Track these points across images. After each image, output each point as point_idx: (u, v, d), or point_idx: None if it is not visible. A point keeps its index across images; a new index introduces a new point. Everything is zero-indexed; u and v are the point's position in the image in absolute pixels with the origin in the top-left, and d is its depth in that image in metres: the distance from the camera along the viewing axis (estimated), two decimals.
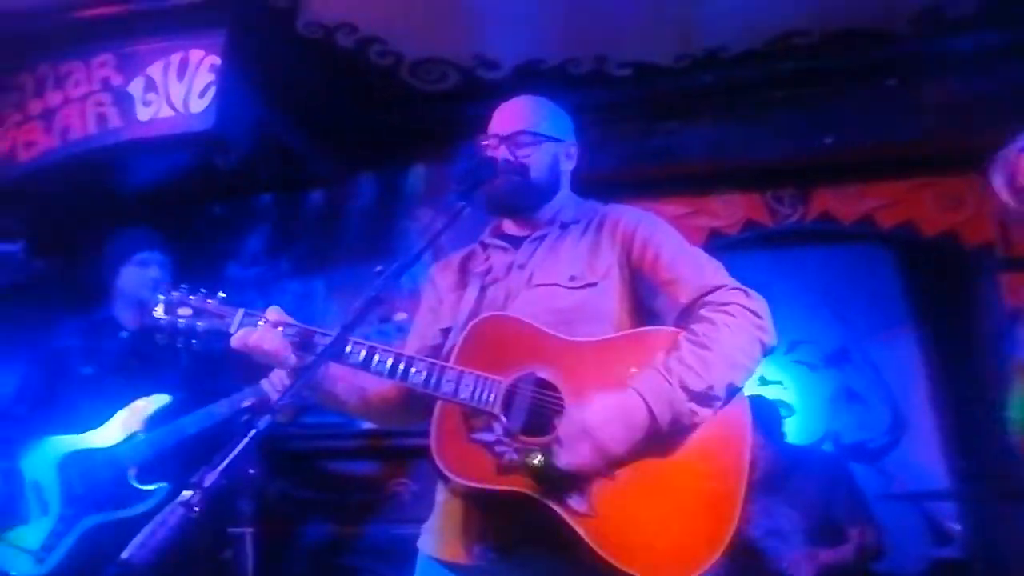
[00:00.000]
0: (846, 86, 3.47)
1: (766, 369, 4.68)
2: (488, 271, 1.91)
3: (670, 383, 1.60)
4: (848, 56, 3.32)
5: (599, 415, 1.57)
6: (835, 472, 3.70)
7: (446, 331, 1.88)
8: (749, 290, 1.74)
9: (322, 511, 3.63)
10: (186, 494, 1.21)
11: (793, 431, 4.22)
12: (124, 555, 1.14)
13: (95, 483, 2.84)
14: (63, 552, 2.79)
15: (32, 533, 2.85)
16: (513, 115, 1.94)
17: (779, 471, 3.57)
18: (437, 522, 1.81)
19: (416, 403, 1.88)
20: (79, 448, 2.89)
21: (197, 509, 1.20)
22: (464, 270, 1.96)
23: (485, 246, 1.97)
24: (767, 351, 1.71)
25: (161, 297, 1.78)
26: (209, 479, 1.23)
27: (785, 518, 3.56)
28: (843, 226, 3.75)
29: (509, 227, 1.97)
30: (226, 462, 1.26)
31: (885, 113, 3.44)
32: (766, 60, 3.35)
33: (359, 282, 3.82)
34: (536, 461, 1.58)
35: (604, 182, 3.61)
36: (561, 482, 1.58)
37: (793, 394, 4.77)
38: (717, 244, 3.83)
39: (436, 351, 1.82)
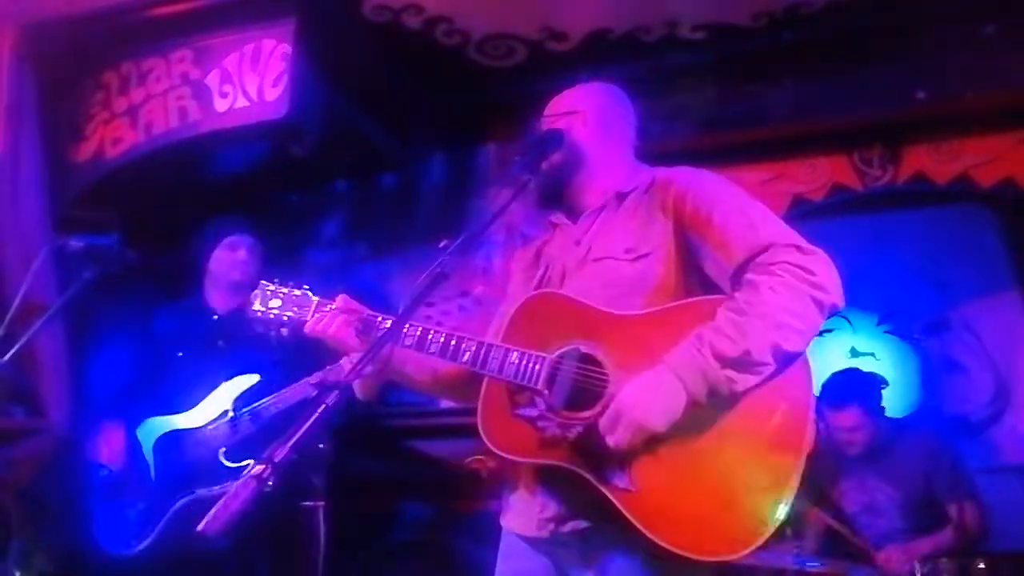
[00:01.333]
0: (939, 35, 3.25)
1: (858, 340, 4.48)
2: (554, 250, 1.93)
3: (701, 353, 1.55)
4: (940, 4, 3.11)
5: (631, 395, 1.55)
6: (936, 445, 3.52)
7: None
8: (804, 245, 1.63)
9: (402, 488, 3.70)
10: (258, 468, 1.23)
11: (889, 405, 4.03)
12: (200, 527, 1.17)
13: (188, 462, 2.96)
14: (159, 530, 2.92)
15: (132, 512, 3.00)
16: (565, 100, 1.98)
17: (874, 442, 3.43)
18: (509, 496, 1.84)
19: (482, 379, 1.91)
20: (173, 429, 3.02)
21: (269, 483, 1.23)
22: (539, 253, 1.99)
23: (554, 226, 1.98)
24: (827, 310, 1.60)
25: (257, 293, 1.94)
26: (280, 453, 1.25)
27: (881, 493, 3.43)
28: (938, 186, 3.56)
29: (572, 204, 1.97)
30: (296, 437, 1.28)
31: (982, 63, 3.22)
32: (852, 12, 3.16)
33: (433, 263, 3.84)
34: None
35: (680, 151, 3.52)
36: (604, 458, 1.58)
37: (888, 366, 4.55)
38: (801, 211, 3.69)
39: None
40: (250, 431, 2.95)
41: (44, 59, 3.38)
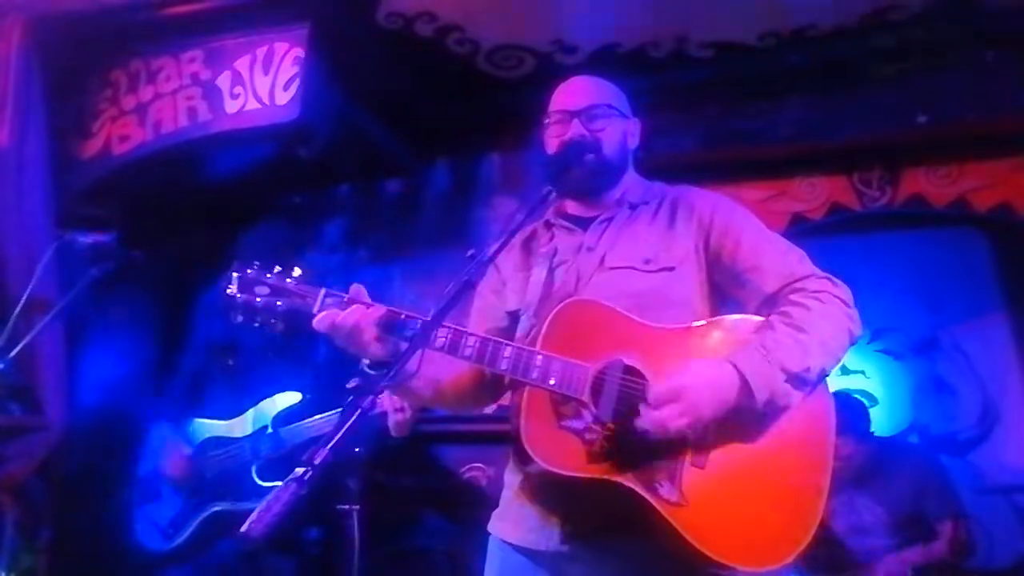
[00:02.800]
0: (941, 61, 3.32)
1: (848, 358, 4.53)
2: (554, 252, 1.87)
3: (768, 361, 1.58)
4: (944, 30, 3.17)
5: (692, 378, 1.56)
6: (925, 465, 3.58)
7: (513, 313, 1.87)
8: (835, 279, 1.71)
9: (399, 494, 3.69)
10: (298, 471, 1.24)
11: (878, 423, 4.08)
12: (243, 528, 1.17)
13: (223, 471, 2.96)
14: (188, 531, 2.92)
15: (165, 509, 2.99)
16: (582, 90, 1.90)
17: (864, 465, 3.47)
18: (510, 507, 1.80)
19: (486, 388, 1.91)
20: (213, 436, 3.01)
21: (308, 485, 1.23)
22: (527, 250, 1.93)
23: (549, 225, 1.93)
24: (853, 341, 1.69)
25: (235, 275, 1.69)
26: (319, 456, 1.26)
27: (869, 513, 3.47)
28: (935, 209, 3.61)
29: (573, 207, 1.93)
30: (335, 440, 1.29)
31: (983, 89, 3.29)
32: (857, 36, 3.22)
33: (435, 270, 3.86)
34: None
35: (684, 165, 3.57)
36: (652, 469, 1.57)
37: (877, 384, 4.61)
38: (800, 229, 3.73)
39: (503, 333, 1.81)
40: (285, 450, 2.95)
41: (52, 53, 3.36)
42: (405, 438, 3.05)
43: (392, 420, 2.78)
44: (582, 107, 1.85)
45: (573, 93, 1.89)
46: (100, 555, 3.12)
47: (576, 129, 1.83)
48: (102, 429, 3.23)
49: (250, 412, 3.03)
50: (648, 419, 1.54)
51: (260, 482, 2.94)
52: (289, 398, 3.02)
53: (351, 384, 2.60)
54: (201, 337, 3.18)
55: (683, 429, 1.54)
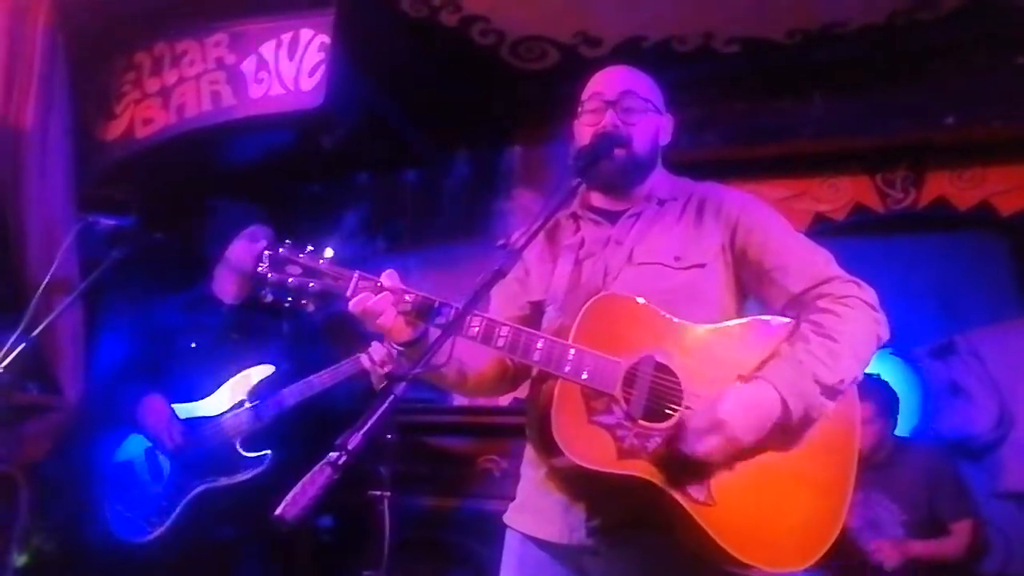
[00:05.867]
0: (970, 62, 3.29)
1: None
2: (581, 244, 1.86)
3: (803, 376, 1.58)
4: (974, 31, 3.14)
5: (733, 407, 1.56)
6: (940, 464, 3.57)
7: (536, 303, 1.86)
8: (861, 282, 1.71)
9: (413, 484, 3.68)
10: (332, 455, 1.23)
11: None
12: (277, 511, 1.17)
13: (204, 451, 2.95)
14: (174, 517, 2.91)
15: (145, 497, 2.98)
16: (620, 78, 1.86)
17: (883, 456, 3.46)
18: (531, 500, 1.80)
19: (508, 378, 1.90)
20: (189, 417, 3.01)
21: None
22: (552, 240, 1.91)
23: (575, 217, 1.91)
24: (881, 345, 1.68)
25: (267, 252, 1.65)
26: (353, 441, 1.25)
27: (885, 509, 3.46)
28: (958, 212, 3.58)
29: (599, 200, 1.90)
30: (368, 426, 1.28)
31: (1012, 92, 3.25)
32: (885, 35, 3.19)
33: (453, 260, 3.85)
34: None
35: (706, 161, 3.54)
36: (683, 470, 1.57)
37: (893, 387, 4.59)
38: (821, 229, 3.70)
39: (524, 322, 1.79)
40: (269, 421, 2.96)
41: (77, 35, 3.35)
42: (404, 426, 3.06)
43: (375, 376, 2.80)
44: (618, 95, 1.81)
45: (610, 81, 1.86)
46: (81, 544, 3.14)
47: (610, 119, 1.79)
48: (93, 413, 3.24)
49: (225, 390, 3.02)
50: (691, 450, 1.56)
51: (245, 453, 2.94)
52: (262, 371, 3.02)
53: (385, 370, 2.59)
54: (159, 320, 3.18)
55: (727, 455, 1.57)
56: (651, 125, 1.84)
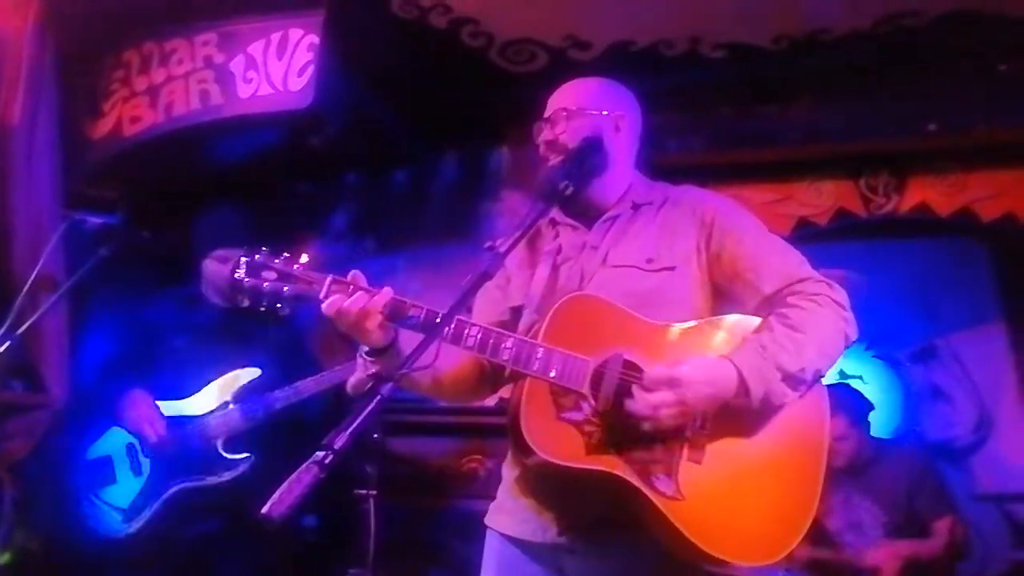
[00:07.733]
0: (953, 70, 3.33)
1: (846, 363, 4.56)
2: (559, 250, 1.90)
3: (765, 360, 1.61)
4: (958, 39, 3.18)
5: (691, 371, 1.58)
6: (920, 464, 3.62)
7: (516, 309, 1.89)
8: (832, 282, 1.75)
9: (397, 485, 3.69)
10: (319, 454, 1.25)
11: (873, 427, 4.11)
12: (264, 510, 1.18)
13: (185, 449, 2.96)
14: (150, 513, 2.91)
15: (123, 493, 2.98)
16: (555, 97, 1.94)
17: (861, 462, 3.51)
18: (509, 500, 1.83)
19: (486, 380, 1.93)
20: (172, 414, 3.01)
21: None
22: (532, 248, 1.94)
23: (554, 223, 1.95)
24: (849, 343, 1.72)
25: (244, 259, 1.67)
26: (340, 441, 1.27)
27: (865, 511, 3.50)
28: (940, 218, 3.63)
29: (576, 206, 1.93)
30: (355, 425, 1.30)
31: (994, 100, 3.31)
32: (870, 42, 3.23)
33: (440, 261, 3.86)
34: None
35: (692, 165, 3.58)
36: (649, 463, 1.60)
37: (874, 389, 4.63)
38: (804, 233, 3.74)
39: (504, 327, 1.80)
40: (254, 424, 2.96)
41: (65, 32, 3.34)
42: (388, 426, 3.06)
43: (351, 379, 2.81)
44: (548, 114, 1.92)
45: (550, 102, 1.95)
46: (63, 541, 3.13)
47: (544, 137, 1.90)
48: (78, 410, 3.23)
49: (212, 389, 3.02)
50: (641, 401, 1.57)
51: (227, 455, 2.94)
52: (251, 373, 3.03)
53: (371, 371, 2.60)
54: (149, 317, 3.19)
55: (674, 417, 1.58)
56: (582, 127, 1.87)
